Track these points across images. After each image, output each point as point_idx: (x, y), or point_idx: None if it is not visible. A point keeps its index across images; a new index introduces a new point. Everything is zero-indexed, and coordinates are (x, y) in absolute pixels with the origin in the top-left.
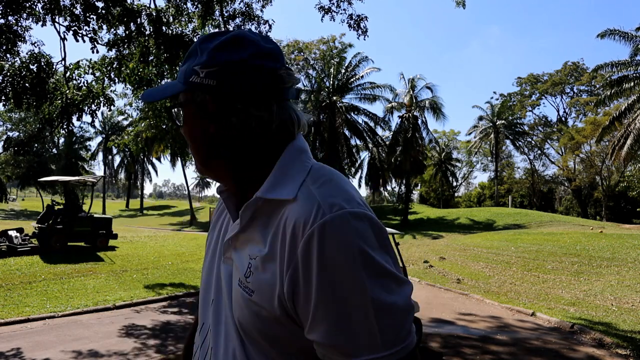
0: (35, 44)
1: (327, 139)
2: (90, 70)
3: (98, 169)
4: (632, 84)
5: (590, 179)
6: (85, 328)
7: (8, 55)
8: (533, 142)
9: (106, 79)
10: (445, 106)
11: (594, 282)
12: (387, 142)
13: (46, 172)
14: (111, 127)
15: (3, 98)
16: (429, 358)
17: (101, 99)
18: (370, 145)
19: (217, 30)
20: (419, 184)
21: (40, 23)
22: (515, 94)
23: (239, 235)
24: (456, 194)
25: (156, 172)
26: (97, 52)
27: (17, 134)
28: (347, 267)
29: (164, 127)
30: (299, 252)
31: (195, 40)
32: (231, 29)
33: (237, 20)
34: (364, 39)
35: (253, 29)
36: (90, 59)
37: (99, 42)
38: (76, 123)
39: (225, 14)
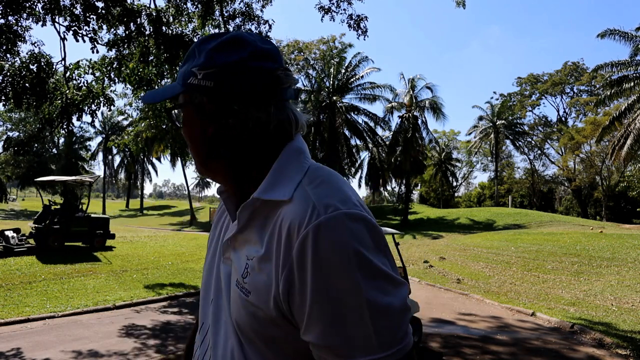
0: (35, 44)
1: (327, 139)
2: (90, 70)
3: (98, 169)
4: (632, 84)
5: (590, 179)
6: (85, 328)
7: (8, 55)
8: (533, 142)
9: (106, 79)
10: (445, 106)
11: (594, 282)
12: (387, 142)
13: (46, 172)
14: (111, 127)
15: (3, 98)
16: (429, 358)
17: (101, 99)
18: (370, 145)
19: (217, 30)
20: (419, 184)
21: (40, 23)
22: (515, 94)
23: (237, 236)
24: (456, 194)
25: (156, 172)
26: (97, 52)
27: (17, 134)
28: (341, 268)
29: (164, 127)
30: (294, 253)
31: (195, 40)
32: (231, 29)
33: (237, 20)
34: (364, 39)
35: (253, 29)
36: (90, 59)
37: (99, 42)
38: (76, 123)
39: (225, 14)
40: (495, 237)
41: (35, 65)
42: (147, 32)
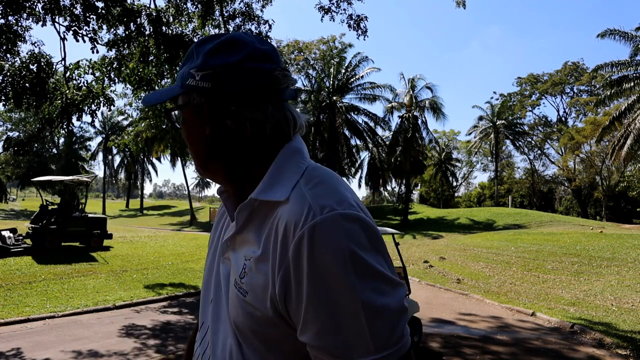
0: (35, 44)
1: (327, 139)
2: (90, 70)
3: (98, 169)
4: (632, 84)
5: (590, 179)
6: (85, 328)
7: (8, 55)
8: (533, 142)
9: (106, 79)
10: (445, 106)
11: (594, 282)
12: (387, 142)
13: (46, 172)
14: (111, 127)
15: (3, 98)
16: (429, 358)
17: (101, 99)
18: (370, 145)
19: (217, 30)
20: (419, 184)
21: (40, 23)
22: (515, 94)
23: (235, 236)
24: (456, 194)
25: (156, 172)
26: (97, 52)
27: (17, 134)
28: (337, 269)
29: (164, 127)
30: (289, 254)
31: (195, 40)
32: (231, 29)
33: (237, 20)
34: (364, 39)
35: (253, 29)
36: (90, 59)
37: (99, 42)
38: (76, 123)
39: (225, 14)
40: (495, 237)
41: (35, 65)
42: (147, 32)
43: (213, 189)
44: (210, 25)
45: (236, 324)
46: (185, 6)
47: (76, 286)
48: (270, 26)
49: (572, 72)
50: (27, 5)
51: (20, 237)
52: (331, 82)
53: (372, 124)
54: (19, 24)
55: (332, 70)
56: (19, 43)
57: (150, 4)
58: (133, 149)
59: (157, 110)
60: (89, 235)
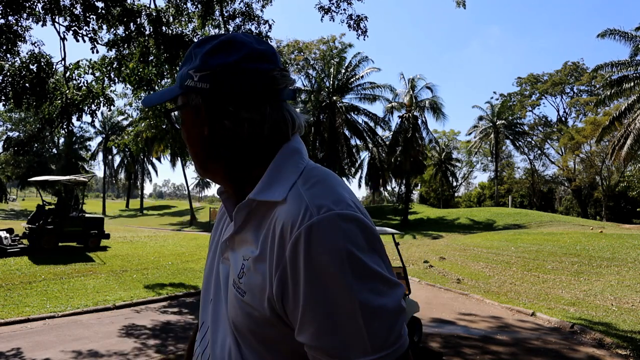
0: (35, 44)
1: (327, 139)
2: (90, 70)
3: (98, 169)
4: (632, 84)
5: (590, 179)
6: (85, 328)
7: (8, 55)
8: (533, 142)
9: (106, 79)
10: (445, 106)
11: (594, 282)
12: (387, 142)
13: (46, 172)
14: (111, 127)
15: (3, 98)
16: (429, 358)
17: (101, 99)
18: (370, 145)
19: (217, 30)
20: (419, 184)
21: (40, 23)
22: (515, 94)
23: (234, 236)
24: (456, 194)
25: (156, 172)
26: (97, 52)
27: (17, 134)
28: (334, 269)
29: (164, 127)
30: (286, 254)
31: (195, 40)
32: (231, 29)
33: (237, 20)
34: (364, 39)
35: (253, 29)
36: (90, 59)
37: (99, 42)
38: (76, 123)
39: (225, 14)
40: (495, 237)
41: (35, 65)
42: (147, 32)
43: (213, 189)
44: (210, 25)
45: (235, 324)
46: (185, 6)
47: (76, 286)
48: (270, 26)
49: (572, 72)
50: (27, 5)
51: (17, 238)
52: (331, 82)
53: (372, 124)
54: (19, 24)
55: (332, 70)
56: (19, 43)
57: (150, 4)
58: (133, 149)
59: (157, 110)
60: (86, 235)
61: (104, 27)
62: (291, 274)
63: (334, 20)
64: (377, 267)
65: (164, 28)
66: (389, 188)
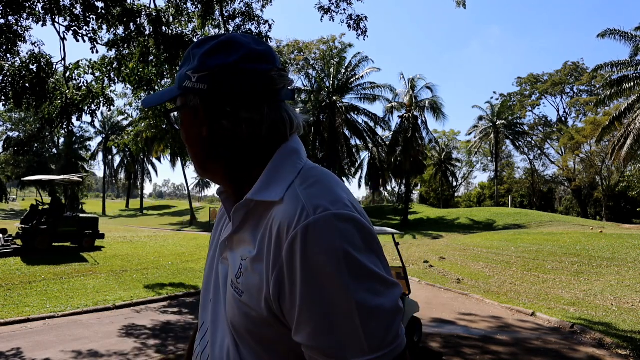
0: (35, 44)
1: (327, 139)
2: (90, 70)
3: (98, 169)
4: (632, 84)
5: (590, 179)
6: (85, 328)
7: (8, 55)
8: (533, 142)
9: (106, 79)
10: (445, 106)
11: (594, 282)
12: (387, 142)
13: (46, 172)
14: (111, 127)
15: (3, 98)
16: (429, 358)
17: (101, 99)
18: (370, 145)
19: (217, 30)
20: (419, 184)
21: (40, 23)
22: (515, 94)
23: (233, 237)
24: (456, 194)
25: (156, 172)
26: (97, 52)
27: (17, 134)
28: (330, 269)
29: (164, 127)
30: (283, 254)
31: (195, 40)
32: (231, 29)
33: (237, 21)
34: (364, 39)
35: (253, 29)
36: (90, 59)
37: (99, 42)
38: (76, 123)
39: (225, 14)
40: (495, 237)
41: (35, 65)
42: (147, 32)
43: (213, 189)
44: (210, 25)
45: (233, 324)
46: (185, 6)
47: (76, 286)
48: (270, 26)
49: (572, 72)
50: (27, 5)
51: (11, 238)
52: (331, 82)
53: (372, 124)
54: (19, 24)
55: (332, 70)
56: (19, 43)
57: (150, 4)
58: (133, 149)
59: (157, 110)
60: (81, 235)
61: (104, 27)
62: (288, 274)
63: (333, 20)
64: (374, 267)
65: (164, 28)
66: (389, 188)
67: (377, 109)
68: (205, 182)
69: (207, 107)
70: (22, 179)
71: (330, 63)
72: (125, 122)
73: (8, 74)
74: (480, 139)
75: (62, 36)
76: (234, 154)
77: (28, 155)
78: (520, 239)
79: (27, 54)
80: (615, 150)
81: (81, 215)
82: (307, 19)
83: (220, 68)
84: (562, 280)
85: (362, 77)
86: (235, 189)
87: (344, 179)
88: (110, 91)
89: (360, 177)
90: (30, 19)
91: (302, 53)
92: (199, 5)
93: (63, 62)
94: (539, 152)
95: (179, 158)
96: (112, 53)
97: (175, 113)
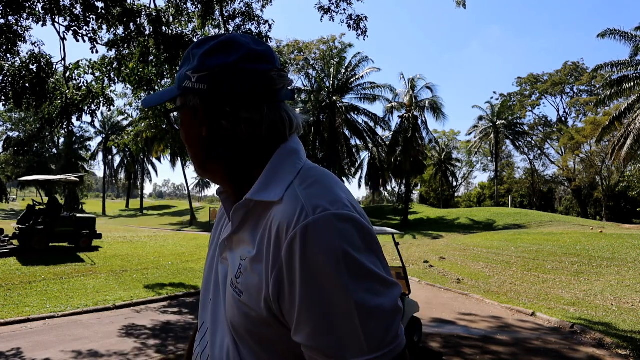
0: (35, 44)
1: (327, 139)
2: (90, 70)
3: (98, 169)
4: (632, 84)
5: (590, 179)
6: (85, 328)
7: (8, 55)
8: (533, 142)
9: (106, 79)
10: (445, 106)
11: (594, 282)
12: (387, 142)
13: (46, 172)
14: (111, 127)
15: (3, 98)
16: (429, 358)
17: (101, 99)
18: (370, 145)
19: (217, 30)
20: (419, 184)
21: (40, 23)
22: (515, 94)
23: (232, 237)
24: (456, 194)
25: (156, 172)
26: (97, 52)
27: (17, 134)
28: (330, 269)
29: (164, 127)
30: (282, 255)
31: (195, 40)
32: (231, 29)
33: (237, 21)
34: (364, 39)
35: (253, 29)
36: (90, 59)
37: (99, 42)
38: (76, 123)
39: (225, 14)
40: (495, 237)
41: (35, 65)
42: (147, 32)
43: (213, 189)
44: (210, 25)
45: (232, 324)
46: (185, 6)
47: (76, 286)
48: (270, 26)
49: (572, 72)
50: (27, 5)
51: (7, 238)
52: (331, 82)
53: (372, 124)
54: (19, 24)
55: (332, 70)
56: (19, 43)
57: (150, 4)
58: (133, 149)
59: (157, 110)
60: (78, 235)
61: (104, 27)
62: (287, 274)
63: (333, 20)
64: (373, 267)
65: (164, 28)
66: (389, 188)
67: (377, 109)
68: (205, 182)
69: (206, 107)
70: (19, 179)
71: (330, 63)
72: (125, 122)
73: (8, 74)
74: (480, 139)
75: (62, 36)
76: (233, 154)
77: (28, 155)
78: (520, 239)
79: (27, 54)
80: (615, 150)
81: (78, 215)
82: (307, 19)
83: (220, 68)
84: (562, 280)
85: (362, 77)
86: (235, 189)
87: (344, 179)
88: (110, 91)
89: (360, 177)
90: (30, 19)
91: (302, 53)
92: (199, 5)
93: (63, 62)
94: (539, 152)
95: (179, 158)
96: (112, 53)
97: (175, 113)
